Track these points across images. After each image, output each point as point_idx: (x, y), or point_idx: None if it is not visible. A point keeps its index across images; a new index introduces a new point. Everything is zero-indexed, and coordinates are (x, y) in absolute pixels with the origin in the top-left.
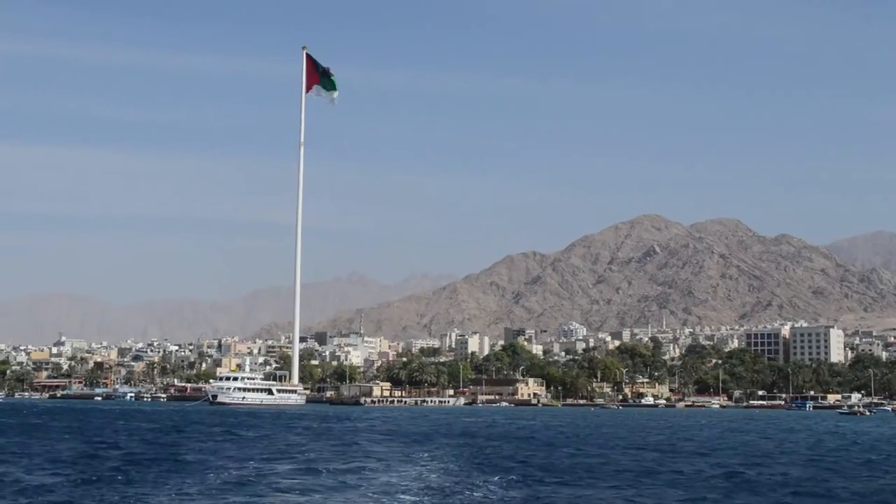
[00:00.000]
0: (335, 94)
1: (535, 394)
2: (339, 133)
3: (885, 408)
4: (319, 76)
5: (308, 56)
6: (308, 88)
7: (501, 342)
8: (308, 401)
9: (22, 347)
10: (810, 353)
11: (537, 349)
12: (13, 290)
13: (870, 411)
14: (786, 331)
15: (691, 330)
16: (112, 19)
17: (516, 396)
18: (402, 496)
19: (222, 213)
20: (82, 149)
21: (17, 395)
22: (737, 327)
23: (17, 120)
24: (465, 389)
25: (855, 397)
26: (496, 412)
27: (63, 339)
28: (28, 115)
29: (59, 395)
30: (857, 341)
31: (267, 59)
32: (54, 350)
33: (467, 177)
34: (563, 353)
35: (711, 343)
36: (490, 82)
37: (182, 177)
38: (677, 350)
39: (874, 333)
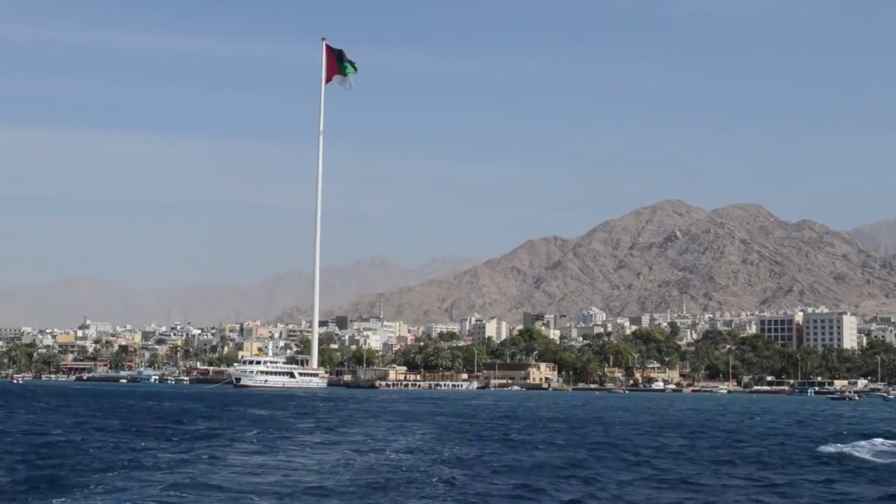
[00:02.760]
0: (352, 77)
1: (546, 378)
2: (361, 117)
3: (881, 393)
4: (339, 65)
5: (328, 47)
6: (328, 79)
7: (521, 327)
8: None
9: (48, 330)
10: (823, 340)
11: (555, 334)
12: (38, 274)
13: (859, 396)
14: (799, 317)
15: (711, 315)
16: (139, 6)
17: (528, 381)
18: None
19: (245, 198)
20: (106, 134)
21: (43, 378)
22: (757, 313)
23: (43, 105)
24: (479, 373)
25: (861, 383)
26: (504, 396)
27: (88, 322)
28: (54, 100)
29: (85, 377)
30: (873, 327)
31: (287, 44)
32: (79, 333)
33: (489, 161)
34: (580, 339)
35: (728, 329)
36: (511, 66)
37: (205, 161)
38: (695, 336)
39: (892, 320)
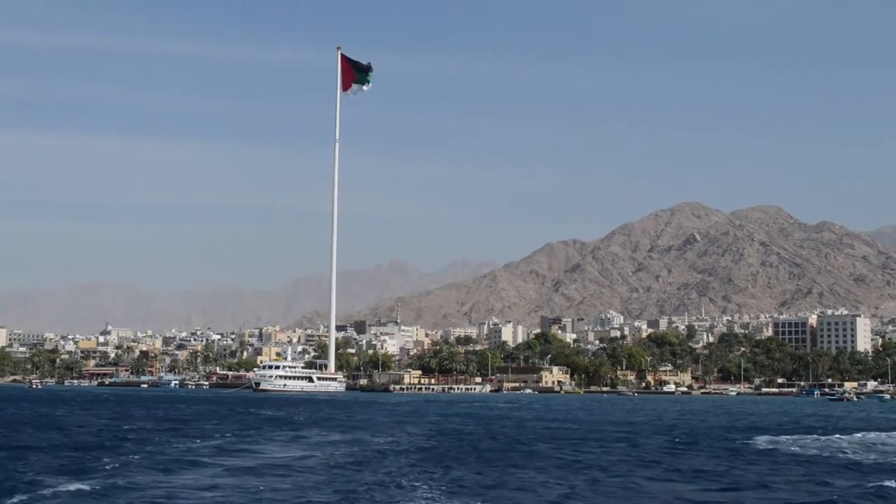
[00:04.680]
0: (367, 86)
1: (558, 381)
2: (381, 121)
3: (884, 395)
4: (356, 73)
5: (343, 56)
6: (345, 88)
7: (538, 331)
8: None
9: (70, 336)
10: (837, 342)
11: (571, 338)
12: (60, 279)
13: (857, 397)
14: (813, 319)
15: (730, 318)
16: (156, 12)
17: (540, 384)
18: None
19: (266, 202)
20: (126, 139)
21: (66, 383)
22: (776, 315)
23: (61, 110)
24: (493, 377)
25: (871, 385)
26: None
27: (109, 328)
28: (74, 107)
29: (106, 382)
30: (889, 329)
31: (305, 48)
32: (101, 339)
33: (507, 164)
34: (596, 342)
35: (745, 332)
36: (528, 70)
37: (227, 166)
38: (711, 338)
39: None
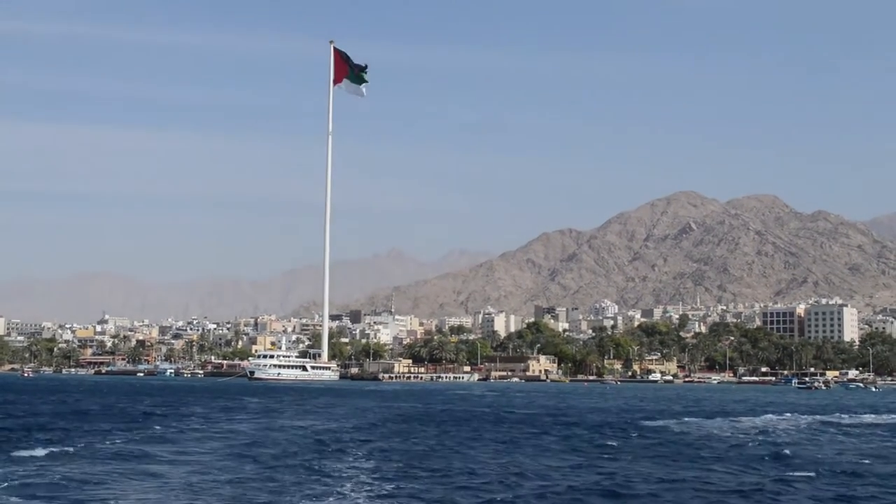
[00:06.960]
0: (364, 86)
1: (545, 370)
2: (378, 110)
3: (850, 384)
4: (349, 70)
5: (336, 50)
6: (337, 81)
7: (531, 320)
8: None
9: (68, 325)
10: (824, 332)
11: (563, 327)
12: (58, 269)
13: (826, 385)
14: (801, 309)
15: (724, 307)
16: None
17: (527, 373)
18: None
19: (263, 191)
20: (124, 129)
21: (63, 372)
22: (770, 304)
23: (61, 100)
24: (481, 366)
25: (852, 374)
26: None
27: (106, 317)
28: (72, 97)
29: (103, 371)
30: (878, 318)
31: (300, 38)
32: (98, 328)
33: (504, 153)
34: (589, 331)
35: (736, 321)
36: (525, 58)
37: (224, 156)
38: (703, 327)
39: None
